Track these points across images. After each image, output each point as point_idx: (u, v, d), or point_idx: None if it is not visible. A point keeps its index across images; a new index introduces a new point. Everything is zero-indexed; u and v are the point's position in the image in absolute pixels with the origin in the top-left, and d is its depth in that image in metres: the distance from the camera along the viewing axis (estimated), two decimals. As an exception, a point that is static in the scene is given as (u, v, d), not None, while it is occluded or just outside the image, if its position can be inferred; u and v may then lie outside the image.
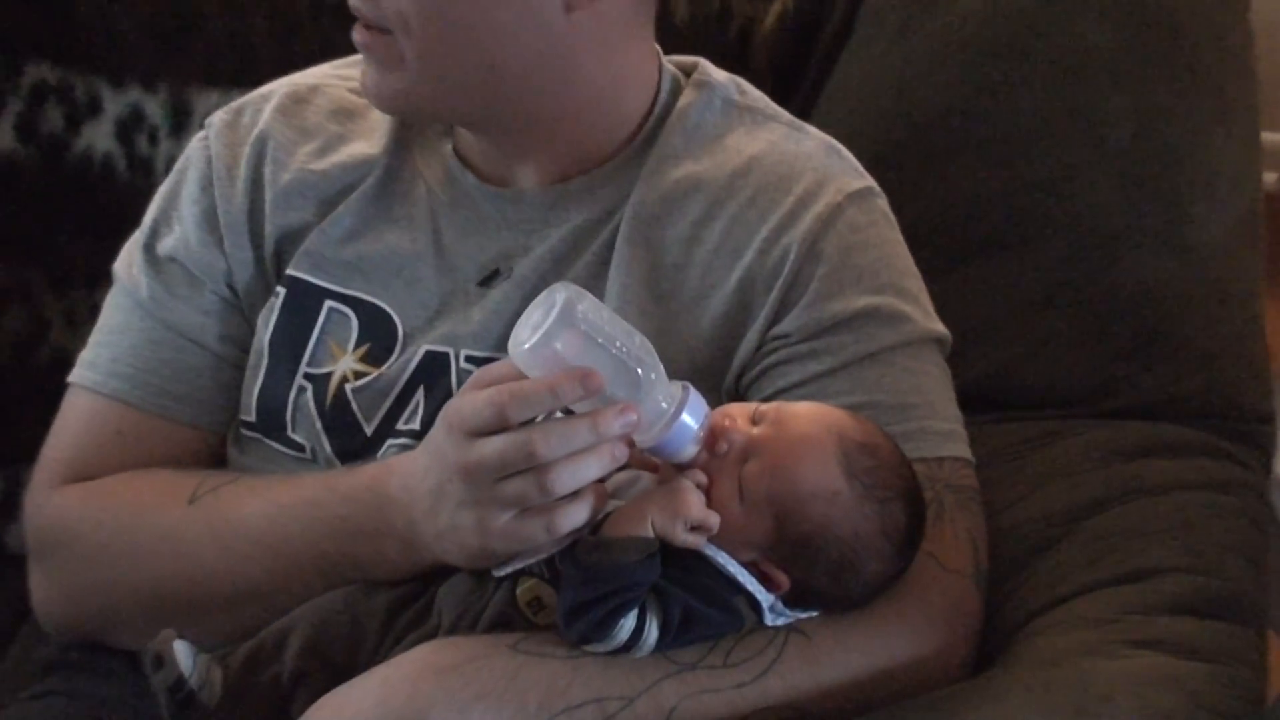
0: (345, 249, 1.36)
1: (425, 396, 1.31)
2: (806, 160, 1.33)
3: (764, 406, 1.20)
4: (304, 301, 1.35)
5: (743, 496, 1.16)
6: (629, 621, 1.13)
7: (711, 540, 1.16)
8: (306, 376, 1.34)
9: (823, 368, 1.27)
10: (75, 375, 1.39)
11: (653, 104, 1.35)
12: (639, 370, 1.12)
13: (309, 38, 1.68)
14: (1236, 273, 1.55)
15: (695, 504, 1.14)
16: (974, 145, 1.58)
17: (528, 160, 1.34)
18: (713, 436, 1.16)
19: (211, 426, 1.38)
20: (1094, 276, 1.53)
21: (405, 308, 1.34)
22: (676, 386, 1.15)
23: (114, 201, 1.65)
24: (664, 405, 1.13)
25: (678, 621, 1.15)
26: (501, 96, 1.29)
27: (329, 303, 1.35)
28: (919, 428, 1.27)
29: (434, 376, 1.32)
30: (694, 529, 1.14)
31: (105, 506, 1.34)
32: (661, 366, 1.14)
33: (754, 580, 1.17)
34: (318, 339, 1.35)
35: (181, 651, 1.18)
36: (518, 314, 1.14)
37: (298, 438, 1.34)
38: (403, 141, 1.38)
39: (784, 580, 1.17)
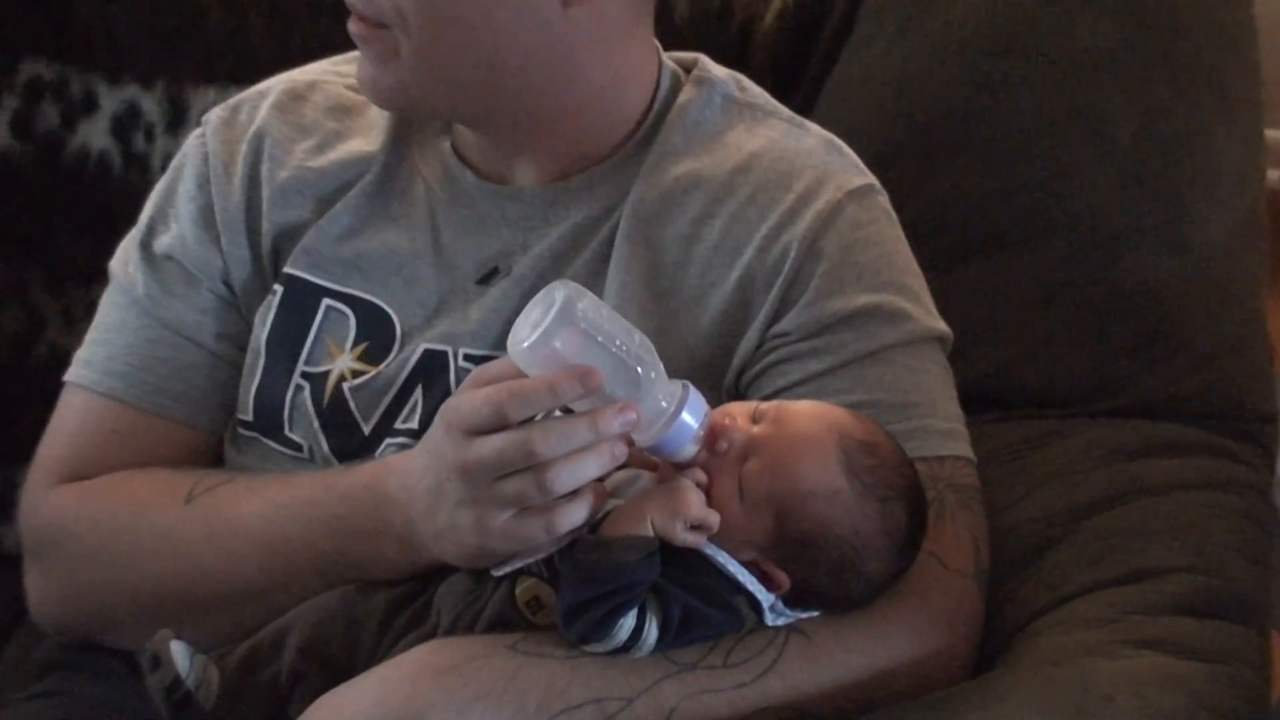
0: (343, 247, 1.35)
1: (423, 395, 1.31)
2: (807, 157, 1.33)
3: (764, 405, 1.19)
4: (301, 300, 1.35)
5: (743, 495, 1.15)
6: (628, 621, 1.13)
7: (711, 539, 1.15)
8: (304, 375, 1.34)
9: (823, 366, 1.27)
10: (71, 374, 1.39)
11: (652, 101, 1.35)
12: (639, 369, 1.12)
13: (307, 34, 1.68)
14: (1238, 271, 1.54)
15: (695, 503, 1.14)
16: (974, 144, 1.58)
17: (526, 158, 1.34)
18: (713, 435, 1.16)
19: (208, 425, 1.38)
20: (1095, 275, 1.53)
21: (403, 306, 1.34)
22: (676, 385, 1.14)
23: (110, 199, 1.65)
24: (664, 404, 1.13)
25: (677, 621, 1.14)
26: (499, 93, 1.29)
27: (326, 301, 1.35)
28: (920, 426, 1.26)
29: (432, 375, 1.31)
30: (694, 528, 1.14)
31: (102, 506, 1.33)
32: (661, 365, 1.14)
33: (754, 580, 1.16)
34: (315, 337, 1.34)
35: (178, 652, 1.18)
36: (516, 312, 1.14)
37: (295, 437, 1.34)
38: (401, 139, 1.38)
39: (784, 580, 1.17)
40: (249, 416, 1.36)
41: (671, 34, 1.40)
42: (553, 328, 1.10)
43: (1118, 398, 1.51)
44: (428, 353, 1.32)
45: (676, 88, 1.36)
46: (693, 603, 1.14)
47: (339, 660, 1.19)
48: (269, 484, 1.30)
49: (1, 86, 1.64)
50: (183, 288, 1.37)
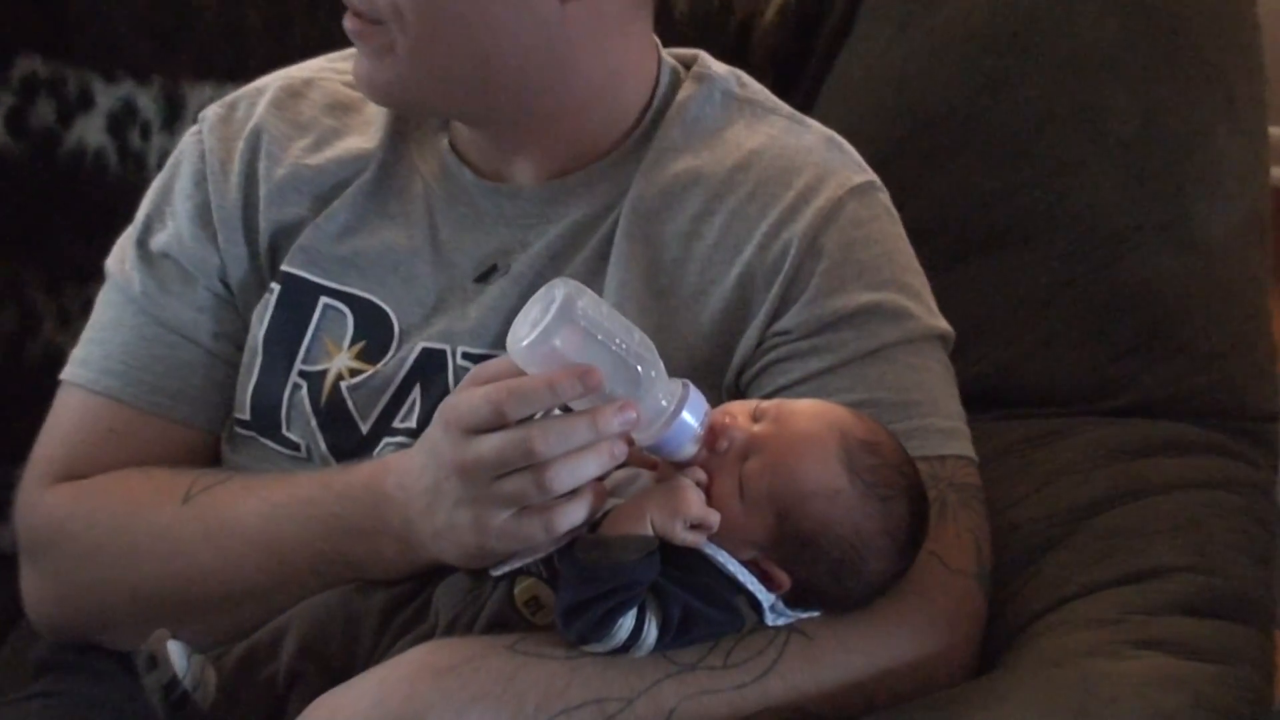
0: (341, 245, 1.35)
1: (422, 394, 1.31)
2: (807, 154, 1.32)
3: (764, 404, 1.19)
4: (299, 298, 1.35)
5: (743, 494, 1.15)
6: (628, 621, 1.13)
7: (711, 539, 1.15)
8: (301, 374, 1.34)
9: (824, 365, 1.27)
10: (67, 373, 1.38)
11: (651, 97, 1.34)
12: (638, 367, 1.12)
13: (304, 31, 1.67)
14: (1242, 270, 1.54)
15: (695, 502, 1.13)
16: (975, 141, 1.57)
17: (525, 155, 1.34)
18: (713, 434, 1.15)
19: (205, 424, 1.38)
20: (1096, 274, 1.53)
21: (401, 304, 1.33)
22: (676, 384, 1.14)
23: (106, 197, 1.65)
24: (664, 403, 1.13)
25: (677, 621, 1.14)
26: (497, 90, 1.28)
27: (324, 299, 1.34)
28: (921, 425, 1.26)
29: (431, 374, 1.31)
30: (694, 527, 1.13)
31: (98, 505, 1.33)
32: (661, 363, 1.13)
33: (754, 579, 1.16)
34: (313, 336, 1.34)
35: (175, 652, 1.18)
36: (515, 310, 1.14)
37: (292, 436, 1.34)
38: (399, 136, 1.37)
39: (785, 579, 1.16)
40: (246, 415, 1.35)
41: (671, 30, 1.40)
42: (552, 326, 1.09)
43: (1119, 397, 1.50)
44: (426, 351, 1.32)
45: (676, 84, 1.36)
46: (692, 602, 1.14)
47: (337, 660, 1.18)
48: (266, 483, 1.29)
49: (-4, 83, 1.64)
50: (179, 286, 1.36)
